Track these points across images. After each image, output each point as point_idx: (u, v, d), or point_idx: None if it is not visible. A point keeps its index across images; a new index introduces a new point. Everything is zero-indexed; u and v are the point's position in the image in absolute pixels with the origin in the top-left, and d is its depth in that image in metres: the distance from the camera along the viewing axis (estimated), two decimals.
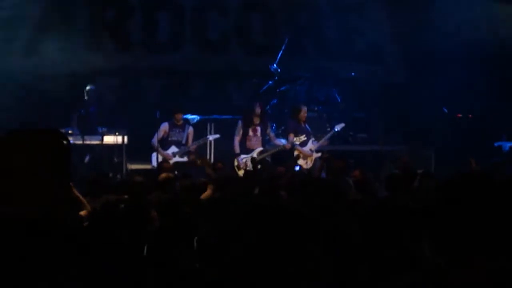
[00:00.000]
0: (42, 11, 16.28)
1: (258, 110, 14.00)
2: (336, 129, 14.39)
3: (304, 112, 14.17)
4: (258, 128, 14.07)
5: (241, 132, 13.97)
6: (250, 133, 14.01)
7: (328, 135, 14.45)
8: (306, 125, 14.26)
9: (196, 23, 17.06)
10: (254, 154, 13.75)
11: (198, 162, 11.93)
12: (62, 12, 16.41)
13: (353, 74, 16.27)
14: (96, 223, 5.69)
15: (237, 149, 13.89)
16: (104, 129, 14.62)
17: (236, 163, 13.79)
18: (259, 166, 12.64)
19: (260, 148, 13.93)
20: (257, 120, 14.02)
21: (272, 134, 14.28)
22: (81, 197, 7.91)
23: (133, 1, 16.90)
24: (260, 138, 14.04)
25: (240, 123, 14.05)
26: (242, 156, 13.83)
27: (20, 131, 2.81)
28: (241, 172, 13.04)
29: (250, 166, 13.39)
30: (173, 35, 17.11)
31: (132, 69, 16.60)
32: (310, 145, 14.01)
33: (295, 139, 13.76)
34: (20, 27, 16.18)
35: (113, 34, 16.81)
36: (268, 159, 13.89)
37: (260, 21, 17.29)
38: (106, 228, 5.59)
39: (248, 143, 13.96)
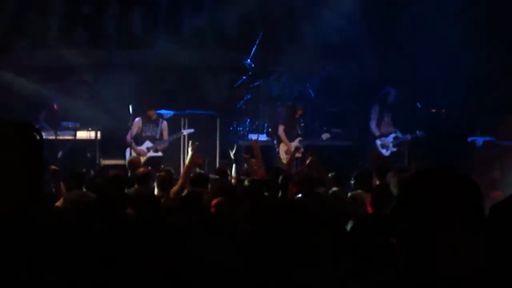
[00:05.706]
0: (15, 5, 16.11)
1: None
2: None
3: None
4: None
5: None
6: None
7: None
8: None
9: (170, 18, 16.97)
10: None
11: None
12: (36, 7, 16.26)
13: (327, 68, 16.34)
14: (73, 218, 5.65)
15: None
16: (77, 124, 14.58)
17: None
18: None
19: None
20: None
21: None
22: (62, 187, 7.89)
23: None
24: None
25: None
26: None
27: None
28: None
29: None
30: (147, 30, 17.02)
31: (105, 64, 16.47)
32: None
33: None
34: None
35: (87, 29, 16.69)
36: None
37: (234, 16, 17.22)
38: (82, 224, 5.55)
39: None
